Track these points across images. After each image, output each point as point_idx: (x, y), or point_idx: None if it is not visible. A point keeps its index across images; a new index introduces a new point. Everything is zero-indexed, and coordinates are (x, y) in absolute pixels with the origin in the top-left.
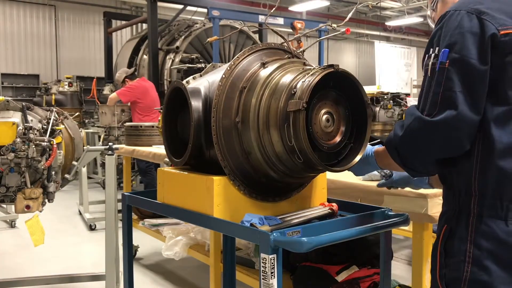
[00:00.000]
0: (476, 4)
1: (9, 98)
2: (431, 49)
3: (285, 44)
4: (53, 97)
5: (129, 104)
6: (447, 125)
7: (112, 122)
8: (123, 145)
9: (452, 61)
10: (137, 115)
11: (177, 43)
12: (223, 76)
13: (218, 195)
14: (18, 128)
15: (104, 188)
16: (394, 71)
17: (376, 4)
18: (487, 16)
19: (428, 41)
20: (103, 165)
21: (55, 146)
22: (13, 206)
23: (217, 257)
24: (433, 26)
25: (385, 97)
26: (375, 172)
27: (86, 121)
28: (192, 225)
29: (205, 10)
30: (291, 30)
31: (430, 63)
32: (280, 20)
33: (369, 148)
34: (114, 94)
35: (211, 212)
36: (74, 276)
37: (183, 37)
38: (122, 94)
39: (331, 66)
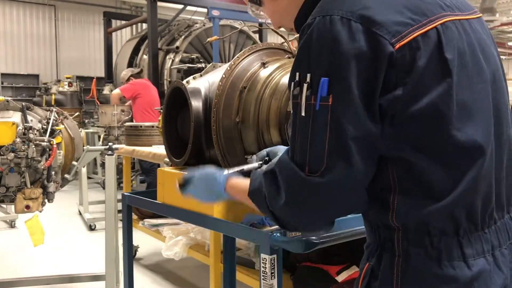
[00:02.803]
0: (349, 4)
1: (9, 98)
2: (298, 74)
3: (285, 44)
4: (53, 97)
5: (130, 103)
6: (341, 186)
7: (112, 122)
8: (123, 145)
9: (337, 95)
10: (138, 111)
11: (177, 43)
12: (223, 76)
13: None
14: (18, 128)
15: (104, 188)
16: None
17: None
18: (371, 23)
19: (293, 62)
20: (103, 165)
21: (55, 146)
22: (13, 206)
23: (217, 257)
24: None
25: None
26: None
27: (86, 121)
28: (192, 225)
29: (205, 10)
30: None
31: (303, 97)
32: None
33: (217, 174)
34: (116, 90)
35: (211, 212)
36: (74, 276)
37: (183, 37)
38: (124, 89)
39: None
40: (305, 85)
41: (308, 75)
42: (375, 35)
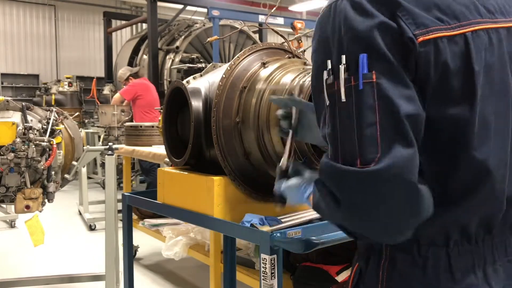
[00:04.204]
0: None
1: (9, 98)
2: (330, 62)
3: (285, 44)
4: (53, 97)
5: (130, 103)
6: (403, 173)
7: (112, 122)
8: (123, 145)
9: (380, 69)
10: (139, 112)
11: (177, 43)
12: (224, 76)
13: (218, 195)
14: (18, 128)
15: (104, 188)
16: None
17: None
18: (400, 9)
19: (315, 47)
20: (103, 165)
21: (55, 146)
22: (13, 206)
23: (217, 257)
24: None
25: None
26: None
27: (86, 121)
28: (192, 225)
29: (205, 10)
30: (291, 30)
31: (341, 81)
32: (280, 20)
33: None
34: (117, 95)
35: (211, 212)
36: (74, 276)
37: (183, 37)
38: (124, 92)
39: None
40: (342, 67)
41: (343, 56)
42: (401, 22)
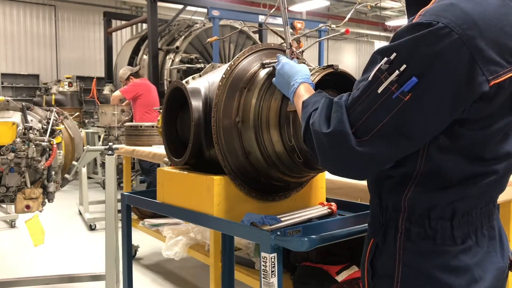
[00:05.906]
0: (469, 26)
1: (9, 98)
2: (395, 55)
3: (284, 44)
4: (53, 97)
5: (130, 103)
6: (371, 161)
7: (112, 122)
8: (123, 145)
9: (415, 98)
10: (139, 112)
11: (177, 43)
12: (223, 76)
13: (218, 194)
14: (18, 128)
15: (104, 188)
16: None
17: (376, 4)
18: (480, 56)
19: (396, 41)
20: (103, 165)
21: (55, 146)
22: (13, 206)
23: (217, 257)
24: None
25: None
26: None
27: (86, 121)
28: (192, 225)
29: (205, 10)
30: (291, 30)
31: (388, 79)
32: (280, 20)
33: (298, 80)
34: (117, 92)
35: (211, 212)
36: (74, 276)
37: (183, 37)
38: (125, 91)
39: (331, 66)
40: (397, 72)
41: (404, 66)
42: (478, 69)
